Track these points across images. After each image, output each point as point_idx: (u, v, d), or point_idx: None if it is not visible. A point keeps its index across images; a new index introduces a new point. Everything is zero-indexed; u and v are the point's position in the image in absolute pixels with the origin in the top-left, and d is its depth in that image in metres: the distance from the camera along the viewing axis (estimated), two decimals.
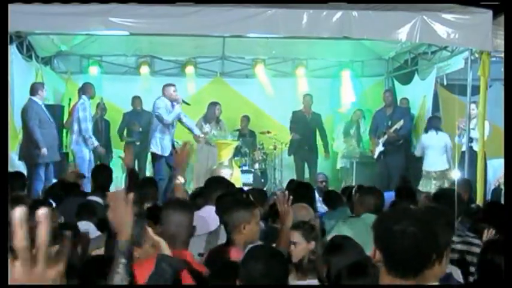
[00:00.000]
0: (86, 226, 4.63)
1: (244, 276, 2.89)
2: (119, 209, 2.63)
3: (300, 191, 5.68)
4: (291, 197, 4.18)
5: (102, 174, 6.65)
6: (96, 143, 9.87)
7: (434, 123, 9.98)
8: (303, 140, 11.49)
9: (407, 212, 2.28)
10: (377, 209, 4.98)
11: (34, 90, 9.23)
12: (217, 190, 5.10)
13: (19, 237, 1.17)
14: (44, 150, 8.91)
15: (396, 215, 2.29)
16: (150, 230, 3.38)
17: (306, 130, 11.55)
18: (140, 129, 11.43)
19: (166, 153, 9.52)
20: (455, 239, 4.37)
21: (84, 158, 9.72)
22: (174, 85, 9.94)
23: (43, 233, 1.19)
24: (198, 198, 5.57)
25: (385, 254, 2.21)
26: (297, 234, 3.89)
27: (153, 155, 9.74)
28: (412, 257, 2.15)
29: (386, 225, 2.24)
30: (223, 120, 11.31)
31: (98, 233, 4.59)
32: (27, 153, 9.08)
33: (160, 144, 9.63)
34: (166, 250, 3.24)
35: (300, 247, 3.85)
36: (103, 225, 4.86)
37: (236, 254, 3.73)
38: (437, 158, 9.88)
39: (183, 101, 9.92)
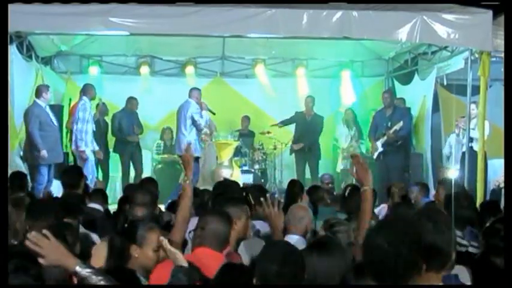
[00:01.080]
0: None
1: (259, 275, 2.89)
2: None
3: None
4: (281, 201, 4.20)
5: (72, 174, 6.62)
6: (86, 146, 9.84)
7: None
8: (304, 141, 11.48)
9: (381, 225, 2.32)
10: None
11: (38, 92, 9.38)
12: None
13: None
14: (44, 153, 8.96)
15: (373, 229, 2.34)
16: (165, 241, 3.37)
17: (306, 131, 11.54)
18: (140, 130, 11.50)
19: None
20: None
21: (90, 158, 9.76)
22: (200, 89, 10.39)
23: None
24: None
25: (366, 265, 2.28)
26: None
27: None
28: (384, 268, 2.19)
29: (365, 239, 2.32)
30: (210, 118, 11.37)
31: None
32: (29, 154, 9.18)
33: (196, 147, 10.05)
34: (183, 262, 3.23)
35: None
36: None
37: (235, 258, 3.75)
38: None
39: (208, 109, 10.31)
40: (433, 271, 2.26)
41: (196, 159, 9.96)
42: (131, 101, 11.57)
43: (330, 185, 9.18)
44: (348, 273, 2.94)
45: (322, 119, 11.67)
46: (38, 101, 9.29)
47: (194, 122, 9.98)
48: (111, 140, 11.52)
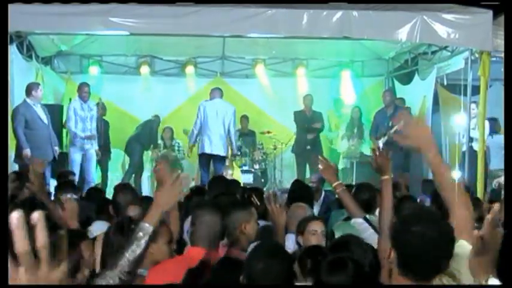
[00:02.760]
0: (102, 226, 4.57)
1: (246, 274, 2.87)
2: (168, 189, 2.68)
3: (301, 192, 5.69)
4: (284, 199, 4.18)
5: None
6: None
7: (491, 126, 9.95)
8: (305, 140, 11.49)
9: (426, 214, 2.28)
10: (369, 206, 4.90)
11: (28, 91, 9.27)
12: (217, 190, 5.12)
13: (20, 242, 1.13)
14: (26, 152, 8.89)
15: (415, 216, 2.28)
16: None
17: (307, 129, 11.55)
18: None
19: None
20: None
21: (74, 159, 9.83)
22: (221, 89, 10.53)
23: (42, 235, 1.16)
24: (195, 196, 5.54)
25: (400, 255, 2.19)
26: (321, 223, 3.96)
27: (216, 156, 10.05)
28: (427, 260, 2.13)
29: (405, 226, 2.22)
30: None
31: None
32: (18, 154, 9.15)
33: (226, 146, 10.23)
34: None
35: (321, 237, 3.90)
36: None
37: (238, 254, 3.74)
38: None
39: None
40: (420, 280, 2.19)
41: (223, 158, 10.03)
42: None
43: (314, 185, 9.14)
44: None
45: (321, 114, 11.74)
46: (27, 99, 9.18)
47: (229, 125, 10.10)
48: (112, 140, 11.53)
